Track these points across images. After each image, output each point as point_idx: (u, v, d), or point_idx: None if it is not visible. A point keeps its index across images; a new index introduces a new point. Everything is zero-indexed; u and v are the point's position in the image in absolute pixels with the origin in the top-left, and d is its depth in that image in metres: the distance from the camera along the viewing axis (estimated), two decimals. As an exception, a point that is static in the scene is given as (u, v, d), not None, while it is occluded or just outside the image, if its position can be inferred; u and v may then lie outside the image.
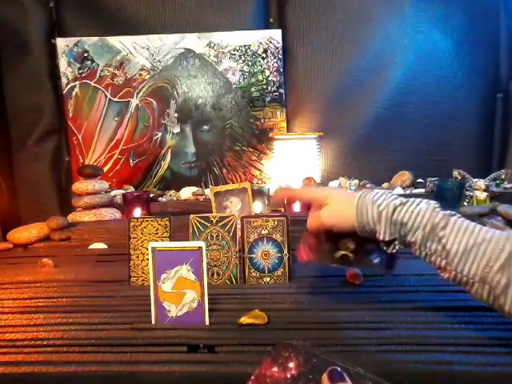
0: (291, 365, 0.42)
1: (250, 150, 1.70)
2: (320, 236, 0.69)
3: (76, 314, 0.74)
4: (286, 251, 0.85)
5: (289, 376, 0.41)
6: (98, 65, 1.66)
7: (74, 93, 1.67)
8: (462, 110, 1.64)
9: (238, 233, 0.87)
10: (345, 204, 0.64)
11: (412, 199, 0.61)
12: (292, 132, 1.70)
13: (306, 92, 1.68)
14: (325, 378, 0.39)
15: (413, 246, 0.61)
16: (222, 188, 1.14)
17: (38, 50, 1.64)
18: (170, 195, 1.59)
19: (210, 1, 1.64)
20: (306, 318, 0.68)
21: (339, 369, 0.39)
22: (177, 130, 1.69)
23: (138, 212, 1.35)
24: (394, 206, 0.60)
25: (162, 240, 0.90)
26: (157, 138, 1.70)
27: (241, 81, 1.67)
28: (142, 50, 1.66)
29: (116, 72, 1.66)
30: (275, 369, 0.42)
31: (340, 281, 0.82)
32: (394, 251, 0.63)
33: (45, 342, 0.65)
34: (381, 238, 0.61)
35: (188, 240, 0.88)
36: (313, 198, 0.70)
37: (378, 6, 1.61)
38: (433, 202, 0.60)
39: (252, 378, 0.42)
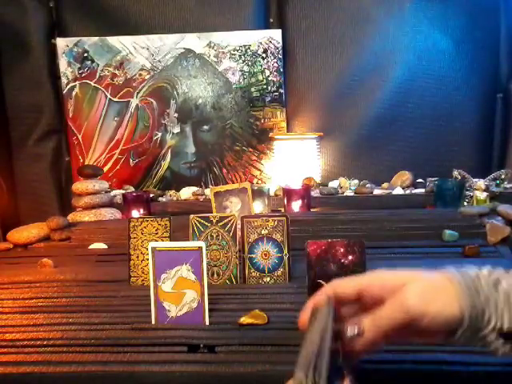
0: None
1: (250, 149, 1.70)
2: None
3: (76, 314, 0.74)
4: (286, 251, 0.85)
5: None
6: (98, 65, 1.66)
7: (73, 93, 1.67)
8: (462, 110, 1.63)
9: (238, 233, 0.87)
10: (436, 278, 0.43)
11: None
12: (292, 132, 1.70)
13: (306, 92, 1.68)
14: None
15: None
16: (222, 188, 1.14)
17: (38, 50, 1.64)
18: (170, 195, 1.59)
19: (210, 1, 1.64)
20: (305, 318, 0.68)
21: None
22: (177, 130, 1.69)
23: (137, 212, 1.35)
24: None
25: (162, 240, 0.90)
26: (157, 138, 1.70)
27: (241, 81, 1.67)
28: (141, 50, 1.65)
29: (116, 72, 1.66)
30: None
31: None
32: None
33: (45, 342, 0.65)
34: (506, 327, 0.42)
35: (188, 240, 0.88)
36: (376, 285, 0.45)
37: (377, 5, 1.61)
38: None
39: None
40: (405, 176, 1.52)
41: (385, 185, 1.54)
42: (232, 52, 1.65)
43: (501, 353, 0.42)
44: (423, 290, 0.42)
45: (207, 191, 1.55)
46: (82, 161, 1.70)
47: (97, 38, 1.64)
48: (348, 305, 0.47)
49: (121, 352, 0.62)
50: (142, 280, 0.88)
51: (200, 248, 0.69)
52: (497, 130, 1.66)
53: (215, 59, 1.66)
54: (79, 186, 1.39)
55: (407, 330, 0.43)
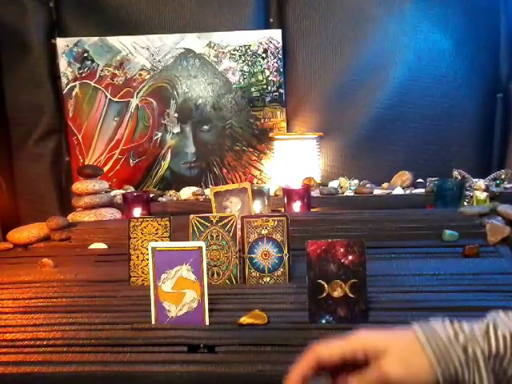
0: None
1: (250, 149, 1.70)
2: None
3: (76, 314, 0.74)
4: (286, 251, 0.85)
5: None
6: (98, 65, 1.66)
7: (73, 93, 1.67)
8: (461, 109, 1.63)
9: (238, 233, 0.87)
10: (411, 348, 0.46)
11: (486, 321, 0.46)
12: (292, 132, 1.70)
13: (306, 92, 1.68)
14: None
15: None
16: (222, 188, 1.14)
17: (37, 50, 1.64)
18: (170, 195, 1.59)
19: (210, 1, 1.64)
20: (305, 317, 0.68)
21: None
22: (177, 130, 1.69)
23: (137, 212, 1.35)
24: (482, 336, 0.45)
25: (162, 240, 0.90)
26: (157, 138, 1.70)
27: (241, 81, 1.67)
28: (142, 50, 1.65)
29: (116, 72, 1.66)
30: None
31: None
32: None
33: (45, 342, 0.65)
34: None
35: (188, 240, 0.88)
36: (359, 350, 0.46)
37: (377, 5, 1.60)
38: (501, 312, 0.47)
39: None
40: (405, 176, 1.52)
41: (385, 185, 1.54)
42: (232, 52, 1.65)
43: None
44: (400, 358, 0.46)
45: (207, 191, 1.55)
46: (81, 161, 1.70)
47: (97, 38, 1.64)
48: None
49: (121, 352, 0.62)
50: (142, 280, 0.88)
51: (200, 248, 0.69)
52: (497, 130, 1.66)
53: (215, 59, 1.66)
54: (79, 185, 1.39)
55: None
